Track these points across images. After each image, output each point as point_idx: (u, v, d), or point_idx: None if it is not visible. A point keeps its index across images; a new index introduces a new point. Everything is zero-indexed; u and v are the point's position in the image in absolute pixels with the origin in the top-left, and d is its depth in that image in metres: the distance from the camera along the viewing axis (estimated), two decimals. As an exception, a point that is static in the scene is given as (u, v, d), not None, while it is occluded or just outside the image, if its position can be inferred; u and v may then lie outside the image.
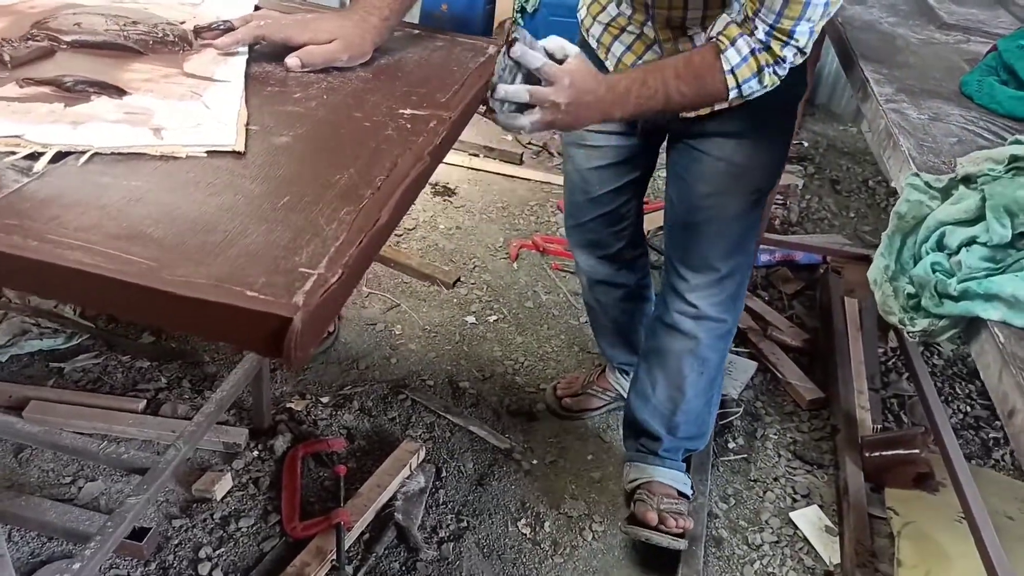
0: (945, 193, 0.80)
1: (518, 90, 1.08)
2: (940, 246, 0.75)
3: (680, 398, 1.63)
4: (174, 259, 0.66)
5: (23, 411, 1.70)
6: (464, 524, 1.67)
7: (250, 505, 1.63)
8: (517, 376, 2.10)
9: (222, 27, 1.04)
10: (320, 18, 1.09)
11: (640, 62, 1.39)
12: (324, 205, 0.77)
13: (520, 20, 3.41)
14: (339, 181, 0.81)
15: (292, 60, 1.03)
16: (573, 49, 1.12)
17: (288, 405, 1.86)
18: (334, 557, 1.51)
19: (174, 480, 1.63)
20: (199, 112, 0.87)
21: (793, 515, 1.80)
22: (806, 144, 3.71)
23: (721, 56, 1.12)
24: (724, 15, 1.21)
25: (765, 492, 1.85)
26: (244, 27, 1.04)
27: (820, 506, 1.83)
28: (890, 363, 2.32)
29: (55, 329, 1.92)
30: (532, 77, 1.09)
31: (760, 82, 1.14)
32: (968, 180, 0.78)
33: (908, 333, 0.76)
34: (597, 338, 1.99)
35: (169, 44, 0.99)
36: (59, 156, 0.76)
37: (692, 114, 1.37)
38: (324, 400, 1.91)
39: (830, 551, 1.72)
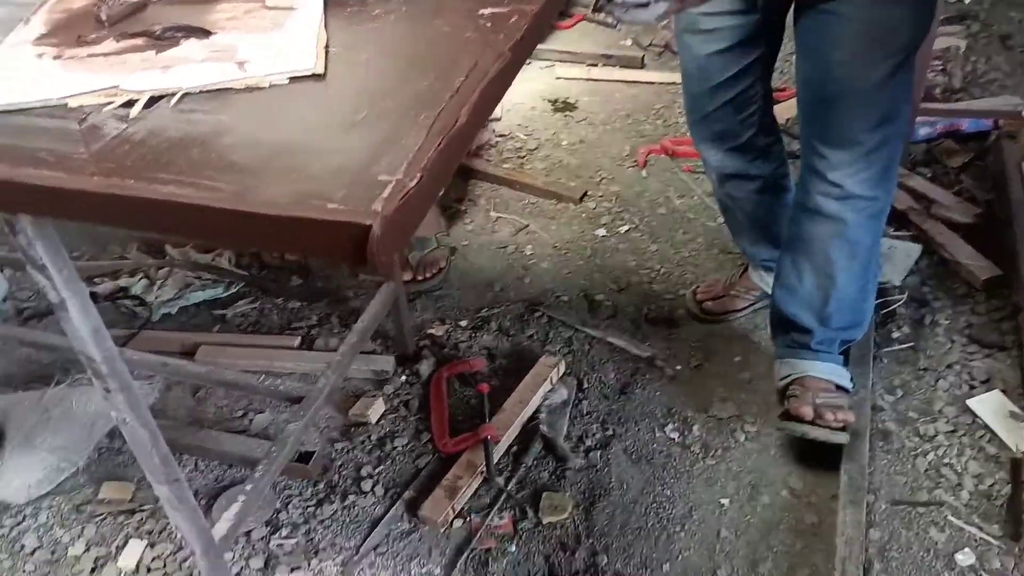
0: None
1: None
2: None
3: (830, 286, 1.52)
4: (259, 183, 0.67)
5: (195, 356, 1.86)
6: (610, 432, 1.67)
7: (403, 426, 1.71)
8: (654, 284, 2.04)
9: None
10: None
11: None
12: (403, 114, 0.75)
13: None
14: (419, 88, 0.79)
15: None
16: None
17: (429, 331, 1.92)
18: (484, 469, 1.56)
19: (332, 407, 1.73)
20: (280, 41, 0.87)
21: (971, 402, 1.65)
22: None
23: None
24: None
25: (937, 381, 1.71)
26: None
27: (1003, 391, 1.67)
28: (1082, 229, 2.05)
29: (214, 280, 2.07)
30: None
31: None
32: None
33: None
34: (735, 237, 1.89)
35: (249, -19, 1.00)
36: (152, 101, 0.79)
37: None
38: (463, 324, 1.95)
39: (1016, 437, 1.57)
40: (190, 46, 0.87)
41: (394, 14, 0.95)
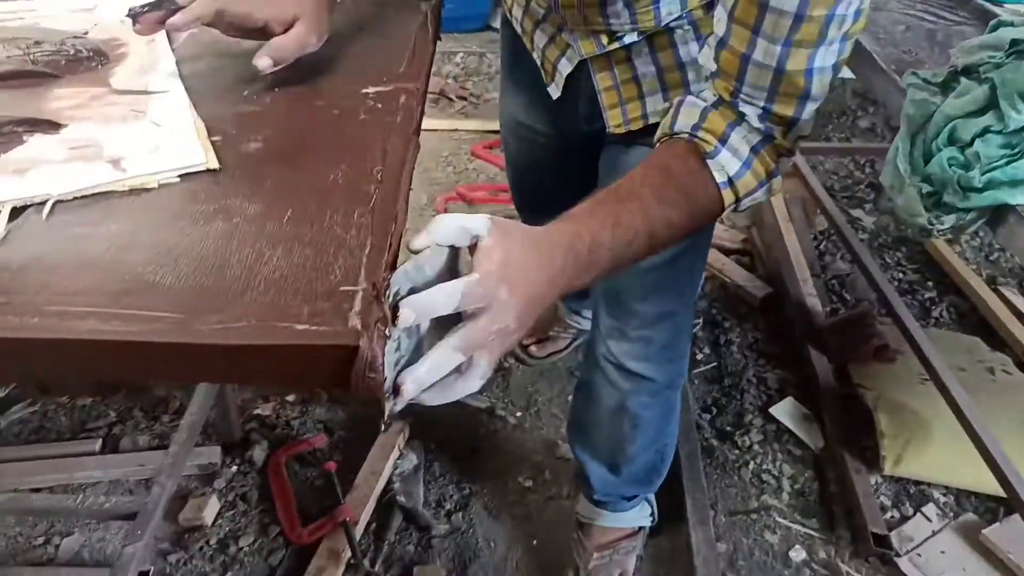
0: (945, 87, 0.80)
1: (437, 361, 0.60)
2: (951, 140, 0.75)
3: (618, 447, 1.37)
4: (198, 306, 0.58)
5: (-32, 481, 1.55)
6: (467, 491, 1.66)
7: (244, 522, 1.56)
8: (479, 332, 2.06)
9: (165, 7, 0.88)
10: None
11: (564, 59, 1.08)
12: (332, 211, 0.70)
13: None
14: (336, 181, 0.74)
15: (263, 61, 0.85)
16: (481, 224, 0.63)
17: (256, 411, 1.78)
18: (349, 554, 1.47)
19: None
20: (151, 132, 0.77)
21: (772, 410, 1.87)
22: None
23: (709, 162, 0.75)
24: (688, 94, 0.81)
25: (742, 394, 1.91)
26: (197, 2, 0.84)
27: (794, 396, 1.90)
28: (822, 247, 2.41)
29: (-24, 385, 1.75)
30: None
31: (768, 192, 0.78)
32: (968, 71, 0.78)
33: (937, 232, 0.77)
34: None
35: (84, 60, 0.87)
36: (15, 212, 0.66)
37: (622, 127, 1.07)
38: (290, 399, 1.83)
39: (814, 437, 1.80)
40: (41, 143, 0.73)
41: (268, 95, 0.88)
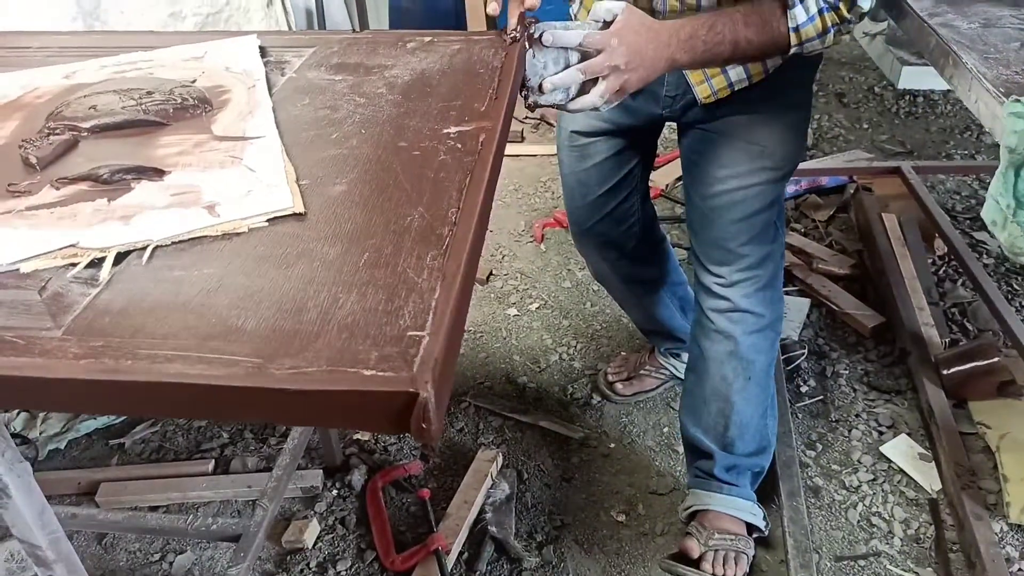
0: (1055, 113, 0.74)
1: (566, 76, 1.04)
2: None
3: (729, 409, 1.49)
4: (275, 350, 0.61)
5: (96, 495, 1.67)
6: (559, 524, 1.64)
7: (342, 546, 1.60)
8: (574, 361, 2.06)
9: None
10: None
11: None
12: (406, 254, 0.71)
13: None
14: (412, 224, 0.76)
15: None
16: (618, 5, 1.04)
17: (355, 436, 1.83)
18: (440, 583, 1.49)
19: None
20: (246, 178, 0.81)
21: (884, 448, 1.77)
22: (803, 64, 3.62)
23: (789, 11, 1.06)
24: None
25: (850, 431, 1.82)
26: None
27: (908, 434, 1.79)
28: (941, 272, 2.27)
29: (106, 405, 1.88)
30: (585, 54, 1.05)
31: (823, 42, 1.08)
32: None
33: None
34: (637, 326, 1.95)
35: (190, 108, 0.93)
36: (119, 257, 0.71)
37: (712, 96, 1.30)
38: (388, 424, 1.87)
39: (929, 478, 1.69)
40: (145, 190, 0.79)
41: (354, 137, 0.92)
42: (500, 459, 1.74)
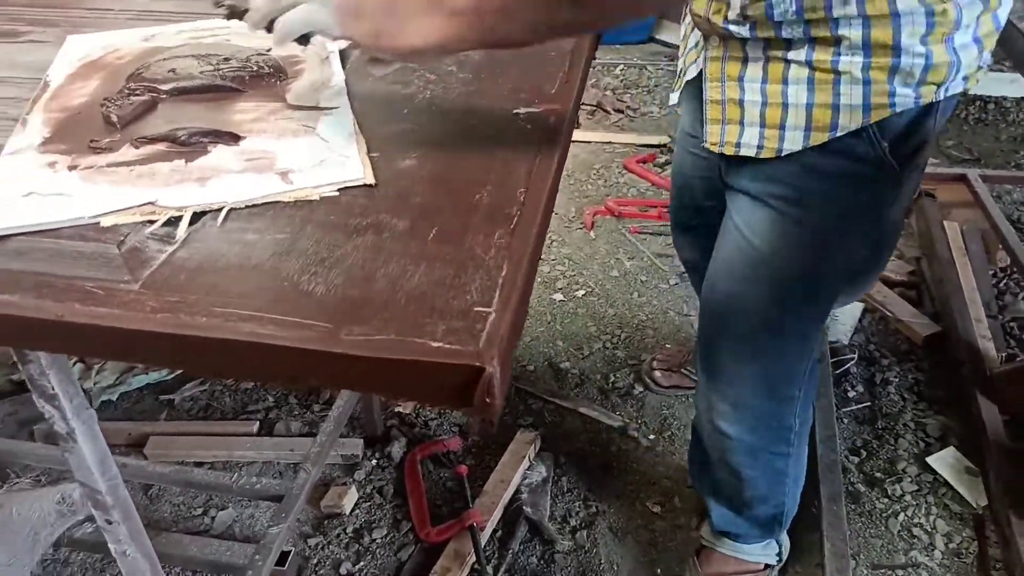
0: None
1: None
2: None
3: (737, 500, 1.36)
4: (344, 316, 0.62)
5: (144, 447, 1.72)
6: (593, 510, 1.65)
7: (379, 515, 1.63)
8: (617, 350, 2.05)
9: None
10: None
11: (693, 65, 1.09)
12: (474, 231, 0.72)
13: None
14: (480, 201, 0.76)
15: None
16: None
17: (397, 409, 1.85)
18: (473, 559, 1.50)
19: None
20: (318, 147, 0.83)
21: (930, 460, 1.73)
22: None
23: None
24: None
25: (896, 439, 1.78)
26: None
27: (957, 447, 1.76)
28: (1002, 285, 2.21)
29: (158, 361, 1.93)
30: None
31: None
32: None
33: None
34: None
35: (265, 77, 0.95)
36: (194, 217, 0.73)
37: (718, 146, 1.03)
38: (430, 399, 1.89)
39: (976, 493, 1.65)
40: (222, 154, 0.81)
41: (424, 114, 0.92)
42: (538, 442, 1.75)
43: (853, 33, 0.87)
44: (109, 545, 0.92)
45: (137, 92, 0.88)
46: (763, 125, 0.97)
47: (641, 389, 1.93)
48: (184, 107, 0.89)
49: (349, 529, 1.60)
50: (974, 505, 1.64)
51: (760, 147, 0.98)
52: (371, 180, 0.78)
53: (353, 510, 1.63)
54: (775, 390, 1.21)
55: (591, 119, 3.15)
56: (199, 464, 1.70)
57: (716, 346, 1.21)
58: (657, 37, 3.66)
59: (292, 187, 0.76)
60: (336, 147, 0.82)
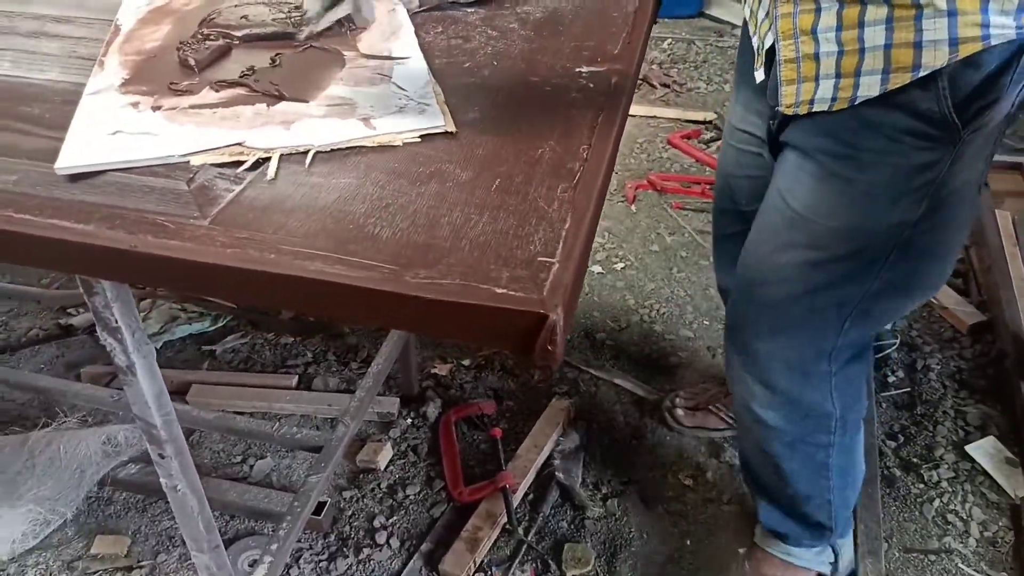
0: None
1: None
2: None
3: (783, 497, 1.32)
4: (409, 260, 0.63)
5: (186, 395, 1.76)
6: (625, 479, 1.65)
7: (413, 473, 1.65)
8: (655, 324, 2.05)
9: None
10: None
11: (769, 32, 0.99)
12: (537, 184, 0.72)
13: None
14: (543, 156, 0.76)
15: None
16: None
17: (433, 370, 1.87)
18: (504, 520, 1.52)
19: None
20: (396, 95, 0.83)
21: (969, 448, 1.71)
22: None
23: None
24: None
25: (935, 426, 1.76)
26: None
27: (997, 436, 1.73)
28: (1052, 278, 2.15)
29: (201, 313, 1.97)
30: None
31: None
32: None
33: None
34: None
35: (335, 26, 0.95)
36: (261, 160, 0.74)
37: (792, 107, 0.98)
38: (466, 363, 1.90)
39: (1014, 483, 1.63)
40: (301, 99, 0.81)
41: (487, 68, 0.92)
42: (572, 410, 1.76)
43: None
44: (161, 480, 0.95)
45: (211, 37, 0.89)
46: (838, 76, 0.91)
47: (676, 363, 1.92)
48: (257, 53, 0.90)
49: (383, 484, 1.62)
50: (1012, 495, 1.62)
51: (834, 99, 0.92)
52: (452, 128, 0.79)
53: (388, 466, 1.66)
54: (806, 368, 1.14)
55: (637, 92, 3.11)
56: (239, 414, 1.73)
57: (745, 319, 1.16)
58: (708, 12, 3.59)
59: (375, 132, 0.77)
60: (414, 95, 0.83)
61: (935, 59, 0.85)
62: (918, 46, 0.85)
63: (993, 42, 0.83)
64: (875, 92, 0.89)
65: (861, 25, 0.88)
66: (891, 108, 0.90)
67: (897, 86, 0.88)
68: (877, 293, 1.05)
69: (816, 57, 0.93)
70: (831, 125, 0.96)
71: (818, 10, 0.91)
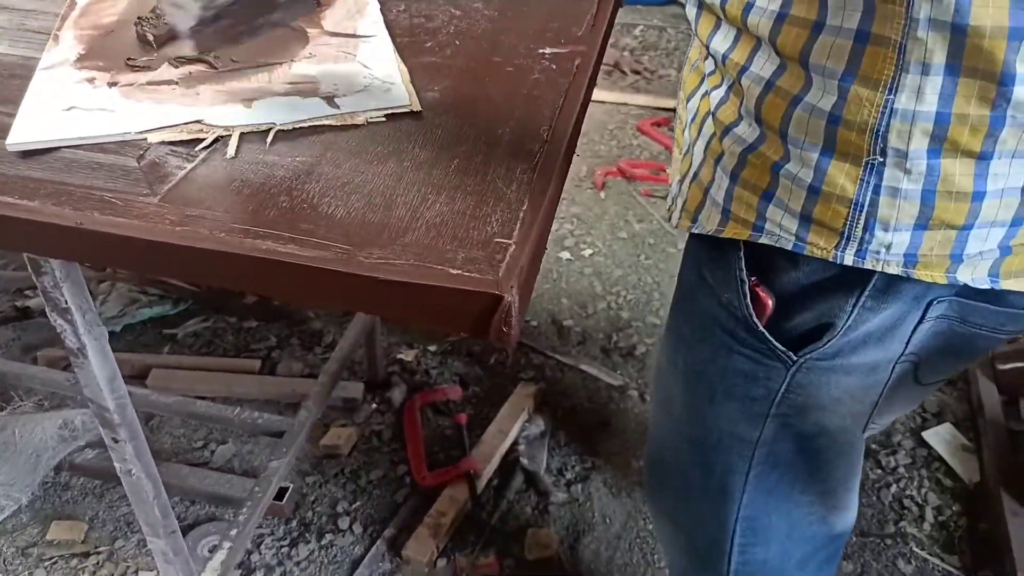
0: None
1: None
2: None
3: None
4: (363, 240, 0.62)
5: (146, 379, 1.73)
6: (589, 465, 1.66)
7: (377, 458, 1.64)
8: (622, 311, 2.05)
9: None
10: None
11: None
12: (496, 165, 0.71)
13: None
14: (503, 136, 0.75)
15: None
16: None
17: (399, 356, 1.86)
18: (470, 504, 1.52)
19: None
20: (361, 74, 0.81)
21: (926, 434, 1.74)
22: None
23: None
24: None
25: (893, 413, 1.79)
26: None
27: (954, 423, 1.77)
28: (1009, 268, 2.20)
29: (161, 296, 1.93)
30: None
31: None
32: None
33: None
34: None
35: (301, 2, 0.93)
36: (217, 137, 0.72)
37: None
38: (432, 348, 1.90)
39: (969, 470, 1.67)
40: (262, 77, 0.80)
41: (449, 48, 0.91)
42: (538, 396, 1.76)
43: None
44: (115, 464, 0.93)
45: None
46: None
47: (643, 350, 1.93)
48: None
49: (347, 470, 1.61)
50: (966, 481, 1.66)
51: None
52: (417, 107, 0.77)
53: (351, 451, 1.65)
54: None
55: (607, 79, 3.11)
56: (200, 399, 1.71)
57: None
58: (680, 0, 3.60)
59: (339, 111, 0.75)
60: (378, 74, 0.81)
61: (708, 220, 0.63)
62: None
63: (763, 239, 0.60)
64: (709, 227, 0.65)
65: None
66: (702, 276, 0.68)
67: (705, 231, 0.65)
68: None
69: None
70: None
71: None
